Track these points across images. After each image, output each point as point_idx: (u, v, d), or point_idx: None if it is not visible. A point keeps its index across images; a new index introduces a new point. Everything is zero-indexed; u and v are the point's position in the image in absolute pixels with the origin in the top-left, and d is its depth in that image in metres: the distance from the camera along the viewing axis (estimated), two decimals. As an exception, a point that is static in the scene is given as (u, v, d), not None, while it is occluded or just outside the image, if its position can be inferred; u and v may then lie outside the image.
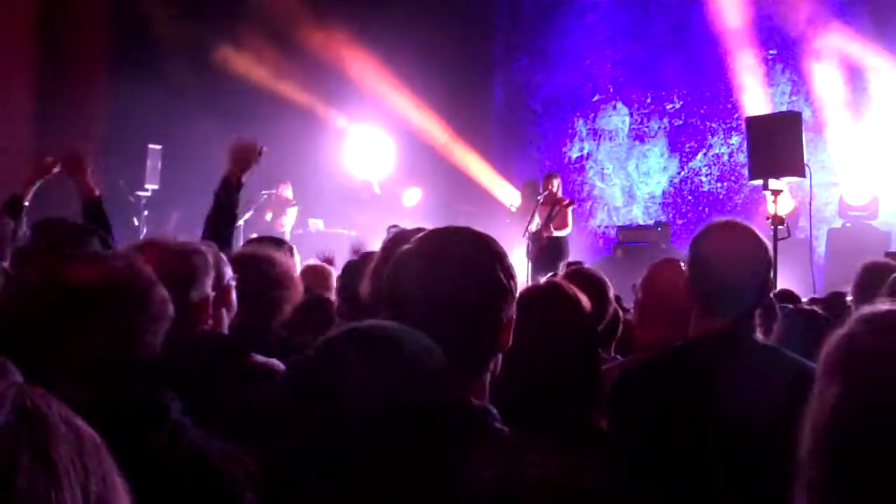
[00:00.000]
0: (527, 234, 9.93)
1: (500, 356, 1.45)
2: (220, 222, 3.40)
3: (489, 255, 1.42)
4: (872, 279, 3.15)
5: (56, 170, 4.12)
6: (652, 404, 2.01)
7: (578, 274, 3.41)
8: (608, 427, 2.05)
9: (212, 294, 2.13)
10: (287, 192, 11.97)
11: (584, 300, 2.01)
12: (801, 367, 1.99)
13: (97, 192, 3.78)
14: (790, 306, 3.58)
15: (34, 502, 0.63)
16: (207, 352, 2.03)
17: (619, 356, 3.30)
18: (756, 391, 1.87)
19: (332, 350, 0.91)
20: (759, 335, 2.16)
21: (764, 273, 2.13)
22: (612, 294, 3.30)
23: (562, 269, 5.37)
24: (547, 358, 1.88)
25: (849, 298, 3.58)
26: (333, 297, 4.46)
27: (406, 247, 1.47)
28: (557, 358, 1.89)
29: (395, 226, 9.00)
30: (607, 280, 3.32)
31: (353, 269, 3.56)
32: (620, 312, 3.56)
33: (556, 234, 9.87)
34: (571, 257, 9.51)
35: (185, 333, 1.94)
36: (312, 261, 5.56)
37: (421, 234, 1.49)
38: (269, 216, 11.61)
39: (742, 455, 1.85)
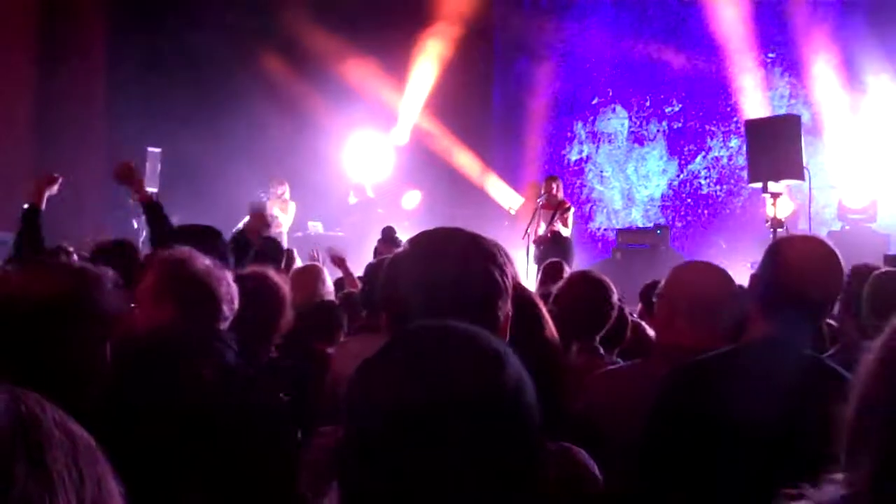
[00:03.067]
0: (527, 236, 9.90)
1: None
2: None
3: (484, 253, 1.43)
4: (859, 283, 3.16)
5: (59, 181, 4.33)
6: (696, 408, 2.00)
7: (585, 277, 3.39)
8: (650, 426, 2.08)
9: None
10: (285, 193, 11.96)
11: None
12: (842, 377, 1.98)
13: (153, 197, 4.25)
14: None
15: None
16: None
17: (620, 360, 3.25)
18: (796, 399, 1.87)
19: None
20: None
21: (837, 292, 2.13)
22: (615, 297, 3.25)
23: (566, 271, 5.35)
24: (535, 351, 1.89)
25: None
26: (330, 298, 4.48)
27: (401, 249, 1.47)
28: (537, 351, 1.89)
29: (389, 227, 9.00)
30: (610, 283, 3.28)
31: (376, 273, 3.37)
32: (628, 316, 3.52)
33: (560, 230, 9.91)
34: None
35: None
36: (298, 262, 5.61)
37: (414, 236, 1.49)
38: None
39: (773, 461, 1.85)
